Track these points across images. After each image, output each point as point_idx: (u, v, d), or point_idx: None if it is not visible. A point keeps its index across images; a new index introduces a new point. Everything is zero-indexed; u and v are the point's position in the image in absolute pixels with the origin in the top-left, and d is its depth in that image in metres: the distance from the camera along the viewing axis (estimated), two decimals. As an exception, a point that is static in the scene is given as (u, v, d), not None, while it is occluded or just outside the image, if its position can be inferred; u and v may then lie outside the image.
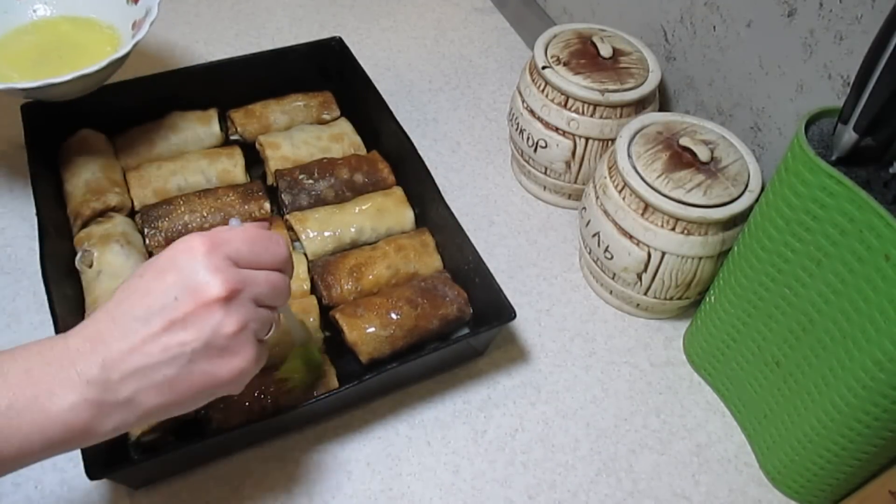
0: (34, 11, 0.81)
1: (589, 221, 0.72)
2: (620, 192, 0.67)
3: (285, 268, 0.49)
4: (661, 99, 0.80)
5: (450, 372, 0.69)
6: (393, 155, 0.79)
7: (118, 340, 0.43)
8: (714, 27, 0.73)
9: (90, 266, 0.66)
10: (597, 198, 0.70)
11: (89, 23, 0.81)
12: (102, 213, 0.71)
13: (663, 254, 0.66)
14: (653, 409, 0.69)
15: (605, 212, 0.69)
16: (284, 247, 0.49)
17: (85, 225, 0.70)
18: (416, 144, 0.76)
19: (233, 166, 0.77)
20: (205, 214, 0.72)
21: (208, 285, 0.43)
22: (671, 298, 0.71)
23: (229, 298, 0.44)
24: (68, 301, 0.64)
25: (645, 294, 0.71)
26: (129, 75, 0.79)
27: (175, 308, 0.43)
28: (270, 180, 0.78)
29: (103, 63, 0.69)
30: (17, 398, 0.40)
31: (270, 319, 0.48)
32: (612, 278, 0.72)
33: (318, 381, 0.62)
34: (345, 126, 0.83)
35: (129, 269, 0.66)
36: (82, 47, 0.80)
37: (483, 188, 0.86)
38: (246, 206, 0.74)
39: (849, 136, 0.51)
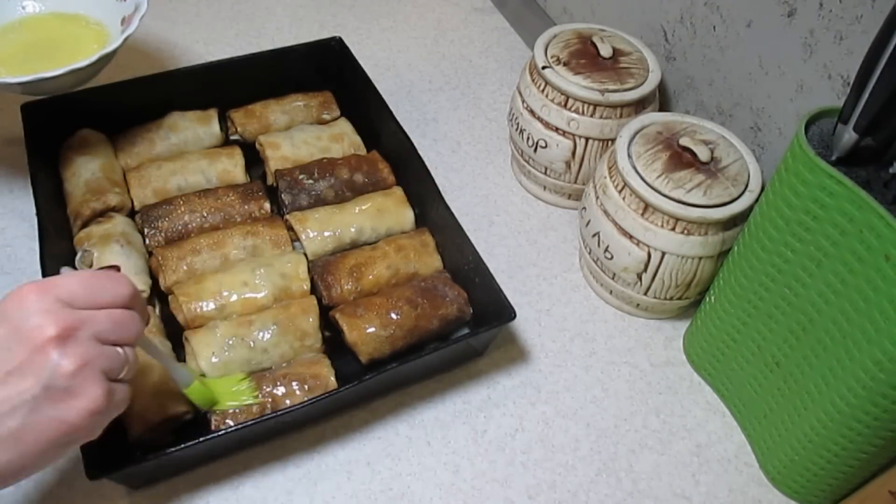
0: (23, 8, 0.82)
1: (589, 221, 0.72)
2: (620, 192, 0.67)
3: (132, 304, 0.47)
4: (661, 99, 0.80)
5: (450, 372, 0.69)
6: (393, 155, 0.79)
7: None
8: (714, 27, 0.73)
9: (90, 266, 0.66)
10: (597, 198, 0.70)
11: (77, 19, 0.82)
12: (102, 213, 0.71)
13: (663, 254, 0.66)
14: (653, 409, 0.69)
15: (605, 212, 0.69)
16: (127, 285, 0.47)
17: (85, 225, 0.70)
18: (416, 144, 0.76)
19: (233, 166, 0.77)
20: (205, 214, 0.72)
21: (39, 328, 0.42)
22: (671, 298, 0.71)
23: (63, 338, 0.43)
24: (68, 301, 0.64)
25: (645, 294, 0.71)
26: (128, 75, 0.79)
27: (10, 359, 0.42)
28: (270, 180, 0.78)
29: (94, 57, 0.69)
30: None
31: (121, 357, 0.46)
32: (612, 278, 0.72)
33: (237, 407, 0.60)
34: (345, 126, 0.83)
35: (129, 268, 0.66)
36: (71, 43, 0.80)
37: (483, 188, 0.86)
38: (246, 206, 0.74)
39: (849, 136, 0.51)
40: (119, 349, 0.46)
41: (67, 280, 0.45)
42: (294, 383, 0.61)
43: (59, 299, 0.44)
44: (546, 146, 0.77)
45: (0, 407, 0.42)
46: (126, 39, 0.72)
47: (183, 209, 0.72)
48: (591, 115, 0.74)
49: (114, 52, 0.71)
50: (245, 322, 0.64)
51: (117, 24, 0.79)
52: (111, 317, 0.45)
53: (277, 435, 0.63)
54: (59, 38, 0.80)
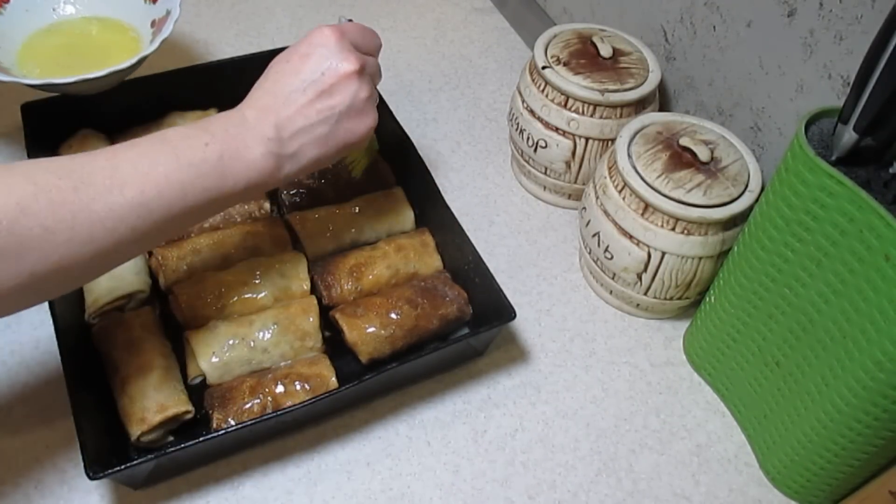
0: (54, 10, 0.83)
1: (589, 221, 0.72)
2: (620, 192, 0.67)
3: (378, 53, 0.63)
4: (661, 99, 0.80)
5: (450, 372, 0.69)
6: (393, 155, 0.79)
7: (283, 108, 0.55)
8: (714, 27, 0.73)
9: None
10: (597, 198, 0.70)
11: (109, 22, 0.84)
12: (102, 213, 0.70)
13: (663, 254, 0.66)
14: (653, 409, 0.69)
15: (605, 212, 0.69)
16: (379, 39, 0.64)
17: (85, 225, 0.70)
18: (416, 144, 0.76)
19: (233, 166, 0.77)
20: (205, 214, 0.72)
21: (345, 62, 0.57)
22: (671, 298, 0.71)
23: (360, 73, 0.57)
24: (68, 301, 0.64)
25: (645, 294, 0.71)
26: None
27: (323, 81, 0.56)
28: (270, 180, 0.78)
29: (134, 59, 0.72)
30: (227, 150, 0.52)
31: (377, 93, 0.62)
32: (612, 278, 0.72)
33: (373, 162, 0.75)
34: (345, 126, 0.83)
35: (128, 268, 0.66)
36: (103, 46, 0.82)
37: (483, 188, 0.86)
38: (246, 206, 0.73)
39: (849, 136, 0.51)
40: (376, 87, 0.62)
41: (351, 28, 0.60)
42: (294, 383, 0.61)
43: (351, 42, 0.58)
44: (546, 146, 0.77)
45: (317, 115, 0.56)
46: (162, 43, 0.75)
47: (183, 209, 0.72)
48: (591, 115, 0.74)
49: (150, 54, 0.74)
50: (245, 322, 0.64)
51: (147, 26, 0.81)
52: (376, 63, 0.62)
53: (277, 435, 0.63)
54: (91, 41, 0.82)
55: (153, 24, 0.80)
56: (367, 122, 0.59)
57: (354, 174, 0.74)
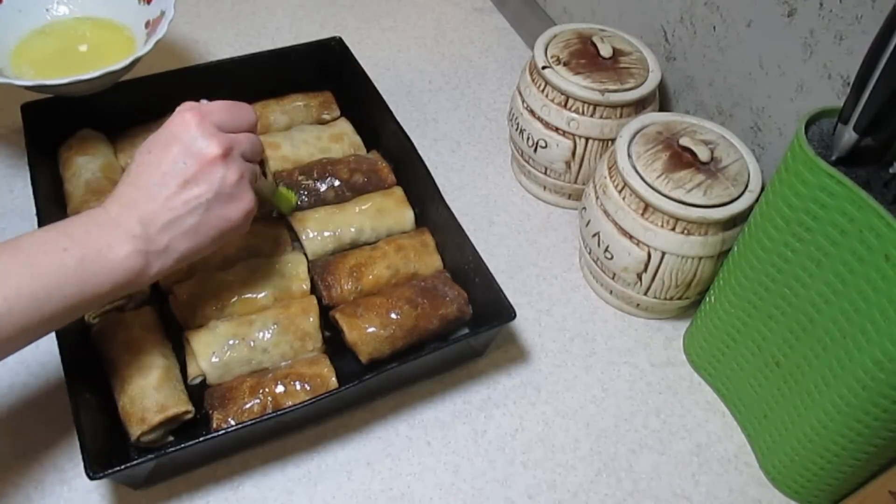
0: (47, 11, 0.83)
1: (589, 221, 0.72)
2: (620, 192, 0.67)
3: (254, 130, 0.60)
4: (661, 99, 0.80)
5: (450, 372, 0.69)
6: (393, 155, 0.79)
7: (147, 202, 0.53)
8: (714, 27, 0.73)
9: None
10: (597, 198, 0.70)
11: (102, 23, 0.83)
12: (102, 213, 0.70)
13: (663, 254, 0.66)
14: (653, 409, 0.69)
15: (605, 212, 0.69)
16: (253, 114, 0.60)
17: (85, 225, 0.70)
18: (416, 144, 0.76)
19: (233, 166, 0.77)
20: (205, 214, 0.72)
21: (208, 147, 0.54)
22: (671, 298, 0.71)
23: (225, 156, 0.55)
24: (68, 301, 0.64)
25: (645, 294, 0.71)
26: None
27: (185, 171, 0.54)
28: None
29: (128, 60, 0.71)
30: (87, 252, 0.51)
31: (255, 170, 0.59)
32: (612, 278, 0.72)
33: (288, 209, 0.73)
34: (345, 126, 0.83)
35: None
36: (97, 46, 0.82)
37: (483, 188, 0.86)
38: (246, 206, 0.73)
39: (849, 136, 0.51)
40: (253, 164, 0.59)
41: (215, 107, 0.57)
42: (294, 383, 0.61)
43: (214, 124, 0.55)
44: (546, 146, 0.77)
45: (184, 207, 0.54)
46: (156, 44, 0.74)
47: (183, 209, 0.72)
48: (591, 115, 0.74)
49: (144, 55, 0.73)
50: (245, 322, 0.64)
51: (141, 27, 0.81)
52: (248, 139, 0.58)
53: (277, 435, 0.63)
54: (85, 42, 0.82)
55: (147, 24, 0.80)
56: (241, 206, 0.57)
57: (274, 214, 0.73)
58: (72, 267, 0.50)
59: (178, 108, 0.56)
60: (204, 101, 0.58)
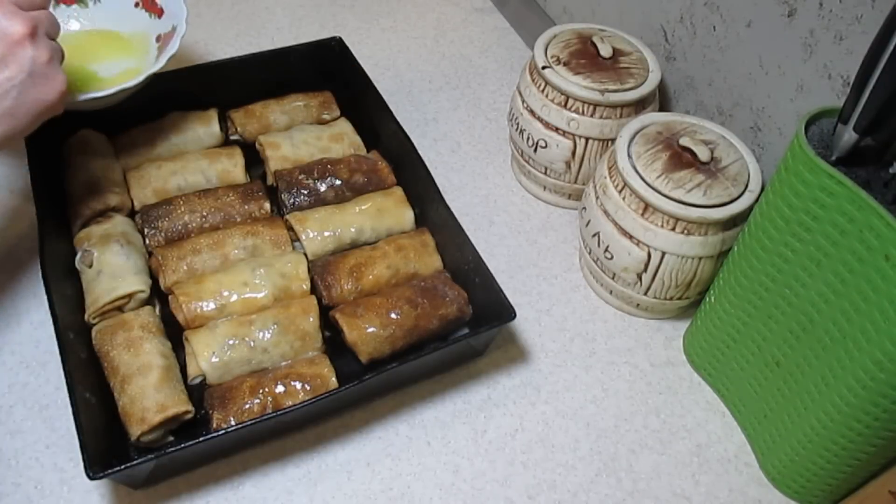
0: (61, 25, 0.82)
1: (589, 221, 0.72)
2: (620, 192, 0.67)
3: (47, 5, 0.58)
4: (661, 99, 0.80)
5: (450, 372, 0.69)
6: (393, 155, 0.79)
7: None
8: (714, 27, 0.73)
9: (90, 266, 0.66)
10: (597, 198, 0.70)
11: (113, 36, 0.82)
12: (102, 213, 0.71)
13: (663, 254, 0.66)
14: (653, 409, 0.69)
15: (605, 212, 0.69)
16: None
17: (85, 225, 0.70)
18: (416, 144, 0.76)
19: (233, 166, 0.77)
20: (205, 214, 0.72)
21: (12, 27, 0.53)
22: (671, 298, 0.71)
23: (33, 35, 0.53)
24: (68, 301, 0.64)
25: (645, 294, 0.71)
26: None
27: None
28: (270, 180, 0.78)
29: (141, 77, 0.70)
30: None
31: (60, 48, 0.58)
32: (612, 278, 0.72)
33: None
34: (345, 126, 0.83)
35: (128, 268, 0.66)
36: (109, 61, 0.80)
37: (483, 188, 0.86)
38: (246, 206, 0.74)
39: (849, 136, 0.51)
40: (57, 42, 0.58)
41: None
42: (294, 383, 0.61)
43: (12, 3, 0.54)
44: (546, 146, 0.77)
45: None
46: (169, 60, 0.73)
47: (183, 209, 0.72)
48: (591, 115, 0.74)
49: (156, 72, 0.72)
50: (245, 322, 0.64)
51: (153, 41, 0.80)
52: (48, 16, 0.57)
53: (277, 435, 0.63)
54: (96, 56, 0.81)
55: (158, 38, 0.79)
56: (55, 86, 0.56)
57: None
58: None
59: None
60: None
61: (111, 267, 0.66)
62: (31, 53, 0.53)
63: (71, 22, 0.82)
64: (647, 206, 0.65)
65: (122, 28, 0.82)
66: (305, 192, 0.75)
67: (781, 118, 0.69)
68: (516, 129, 0.81)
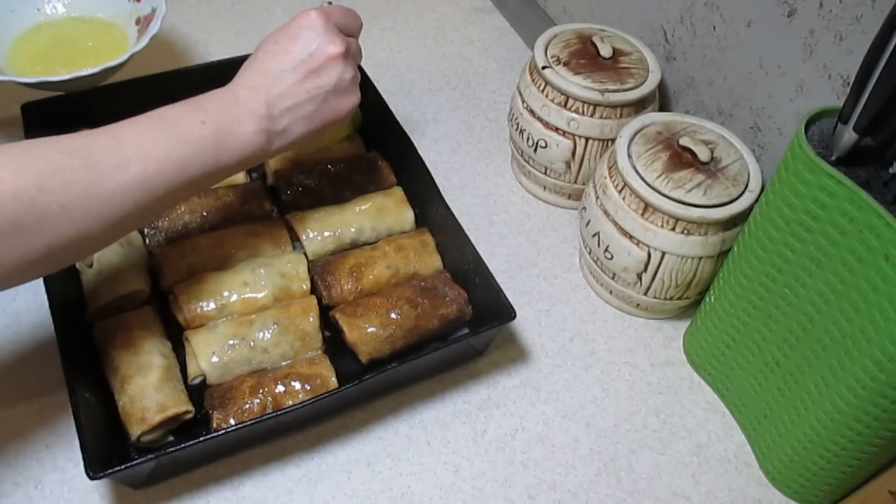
0: (38, 10, 0.85)
1: (589, 221, 0.72)
2: (620, 192, 0.67)
3: (359, 34, 0.67)
4: (661, 99, 0.80)
5: (450, 372, 0.69)
6: (393, 155, 0.79)
7: (273, 86, 0.59)
8: (714, 27, 0.73)
9: (90, 266, 0.66)
10: (597, 198, 0.70)
11: (93, 21, 0.85)
12: (102, 213, 0.71)
13: (663, 254, 0.66)
14: (653, 409, 0.69)
15: (605, 212, 0.69)
16: (361, 19, 0.66)
17: (85, 225, 0.70)
18: (416, 144, 0.76)
19: (233, 166, 0.77)
20: (205, 214, 0.72)
21: (332, 44, 0.60)
22: (671, 298, 0.71)
23: (345, 55, 0.61)
24: (68, 301, 0.64)
25: (645, 294, 0.71)
26: (128, 75, 0.79)
27: (311, 62, 0.60)
28: (270, 180, 0.78)
29: (126, 55, 0.73)
30: (221, 127, 0.56)
31: (359, 74, 0.66)
32: (612, 278, 0.72)
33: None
34: (345, 126, 0.83)
35: (128, 268, 0.66)
36: (91, 44, 0.84)
37: (483, 188, 0.86)
38: (246, 206, 0.74)
39: (849, 136, 0.51)
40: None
41: (337, 10, 0.63)
42: (294, 383, 0.61)
43: (336, 25, 0.62)
44: (546, 146, 0.77)
45: (306, 94, 0.60)
46: (151, 39, 0.76)
47: (183, 209, 0.72)
48: (591, 115, 0.74)
49: (140, 50, 0.75)
50: (245, 322, 0.64)
51: (132, 24, 0.83)
52: (356, 45, 0.65)
53: (277, 435, 0.63)
54: (79, 40, 0.85)
55: (138, 21, 0.82)
56: (351, 100, 0.63)
57: (329, 142, 0.79)
58: (209, 137, 0.55)
59: (303, 11, 0.62)
60: (324, 3, 0.64)
61: (111, 267, 0.66)
62: (342, 69, 0.61)
63: (51, 6, 0.85)
64: (647, 206, 0.65)
65: (102, 13, 0.85)
66: (305, 192, 0.75)
67: (781, 118, 0.69)
68: (516, 129, 0.81)
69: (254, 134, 0.58)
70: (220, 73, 0.81)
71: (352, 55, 0.63)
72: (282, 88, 0.59)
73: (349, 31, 0.64)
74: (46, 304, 0.60)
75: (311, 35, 0.60)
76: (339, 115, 0.63)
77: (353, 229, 0.73)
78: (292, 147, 0.62)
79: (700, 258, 0.66)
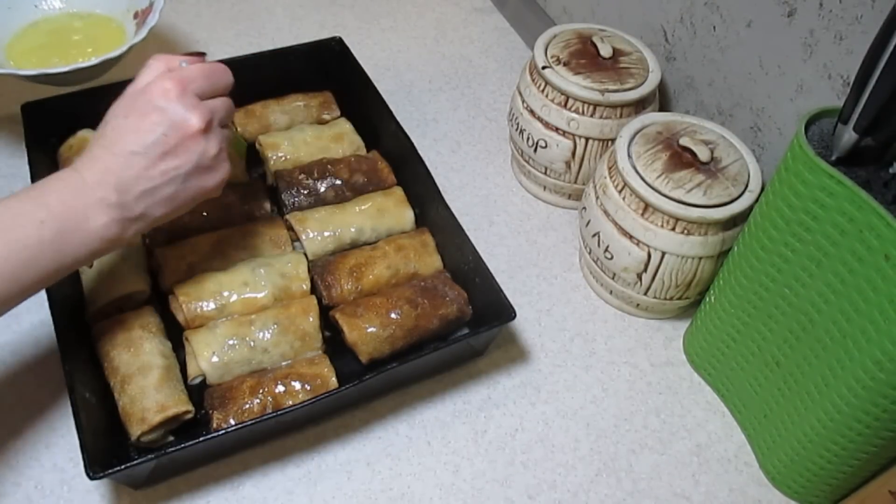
0: (36, 6, 0.85)
1: (589, 221, 0.72)
2: (620, 192, 0.67)
3: (228, 90, 0.59)
4: (661, 99, 0.80)
5: (450, 372, 0.69)
6: (393, 155, 0.79)
7: (124, 170, 0.53)
8: (714, 27, 0.73)
9: (90, 266, 0.66)
10: (597, 198, 0.70)
11: (92, 16, 0.86)
12: (102, 213, 0.71)
13: (663, 254, 0.66)
14: (653, 409, 0.69)
15: (605, 212, 0.69)
16: (229, 75, 0.59)
17: (85, 225, 0.70)
18: (416, 144, 0.76)
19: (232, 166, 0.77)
20: (205, 214, 0.72)
21: (189, 121, 0.54)
22: (671, 298, 0.71)
23: (207, 128, 0.55)
24: (68, 301, 0.64)
25: (645, 294, 0.71)
26: (129, 75, 0.79)
27: (165, 142, 0.53)
28: (270, 180, 0.78)
29: (124, 47, 0.73)
30: (65, 224, 0.51)
31: (230, 134, 0.60)
32: (612, 278, 0.72)
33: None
34: (345, 126, 0.83)
35: (129, 268, 0.66)
36: (89, 39, 0.84)
37: (483, 188, 0.86)
38: (246, 206, 0.73)
39: (849, 136, 0.51)
40: (228, 129, 0.60)
41: (194, 73, 0.56)
42: (294, 383, 0.61)
43: (194, 93, 0.55)
44: (546, 146, 0.77)
45: (162, 177, 0.54)
46: (149, 31, 0.76)
47: (183, 209, 0.72)
48: (591, 115, 0.74)
49: (139, 42, 0.76)
50: (245, 322, 0.64)
51: (130, 18, 0.83)
52: (225, 105, 0.58)
53: (277, 435, 0.63)
54: (76, 35, 0.85)
55: (136, 15, 0.83)
56: (216, 176, 0.57)
57: None
58: (49, 240, 0.50)
59: (151, 68, 0.55)
60: (181, 62, 0.56)
61: (111, 267, 0.66)
62: (203, 147, 0.55)
63: (49, 2, 0.85)
64: (647, 206, 0.65)
65: (100, 8, 0.86)
66: (305, 192, 0.75)
67: (781, 118, 0.69)
68: (516, 129, 0.81)
69: (104, 227, 0.52)
70: (220, 73, 0.82)
71: (216, 125, 0.56)
72: (134, 172, 0.53)
73: (215, 91, 0.57)
74: (46, 304, 0.60)
75: (164, 110, 0.53)
76: (205, 193, 0.57)
77: (353, 229, 0.73)
78: (154, 226, 0.56)
79: (700, 258, 0.66)
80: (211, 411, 0.60)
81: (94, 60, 0.72)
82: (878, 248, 0.49)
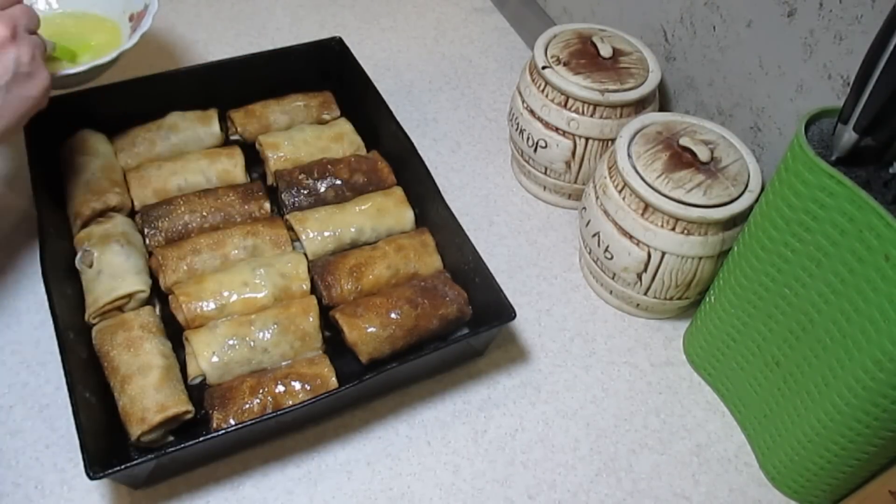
0: (31, 6, 0.83)
1: (589, 221, 0.72)
2: (620, 192, 0.67)
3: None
4: (661, 99, 0.80)
5: (450, 372, 0.69)
6: (393, 155, 0.79)
7: None
8: (714, 27, 0.73)
9: (90, 266, 0.66)
10: (597, 198, 0.71)
11: (87, 17, 0.84)
12: (102, 213, 0.71)
13: (663, 254, 0.66)
14: (653, 409, 0.69)
15: (605, 212, 0.69)
16: None
17: (85, 225, 0.70)
18: (416, 144, 0.76)
19: (233, 166, 0.77)
20: (205, 214, 0.72)
21: None
22: (671, 298, 0.71)
23: (13, 35, 0.54)
24: (68, 301, 0.64)
25: (645, 294, 0.71)
26: (128, 75, 0.79)
27: None
28: (270, 180, 0.78)
29: (114, 54, 0.71)
30: None
31: (41, 41, 0.59)
32: (612, 278, 0.72)
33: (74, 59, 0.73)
34: (345, 126, 0.83)
35: (128, 268, 0.66)
36: (82, 41, 0.82)
37: (483, 188, 0.86)
38: (246, 206, 0.74)
39: (849, 136, 0.51)
40: (38, 36, 0.58)
41: None
42: (294, 383, 0.61)
43: None
44: (546, 146, 0.77)
45: None
46: (142, 36, 0.74)
47: (183, 209, 0.72)
48: (591, 115, 0.74)
49: (130, 48, 0.74)
50: (245, 322, 0.64)
51: (125, 21, 0.82)
52: (25, 11, 0.57)
53: (277, 435, 0.63)
54: (69, 37, 0.83)
55: (131, 18, 0.81)
56: (39, 83, 0.57)
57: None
58: None
59: None
60: None
61: (111, 267, 0.66)
62: (14, 54, 0.54)
63: (43, 3, 0.84)
64: (647, 206, 0.65)
65: (95, 9, 0.84)
66: (305, 192, 0.75)
67: (781, 118, 0.69)
68: (516, 129, 0.81)
69: None
70: (220, 73, 0.82)
71: (22, 30, 0.55)
72: None
73: (7, 2, 0.56)
74: (46, 304, 0.60)
75: None
76: (32, 102, 0.56)
77: (353, 229, 0.73)
78: None
79: (700, 258, 0.66)
80: (211, 411, 0.60)
81: (82, 67, 0.70)
82: (878, 248, 0.49)
